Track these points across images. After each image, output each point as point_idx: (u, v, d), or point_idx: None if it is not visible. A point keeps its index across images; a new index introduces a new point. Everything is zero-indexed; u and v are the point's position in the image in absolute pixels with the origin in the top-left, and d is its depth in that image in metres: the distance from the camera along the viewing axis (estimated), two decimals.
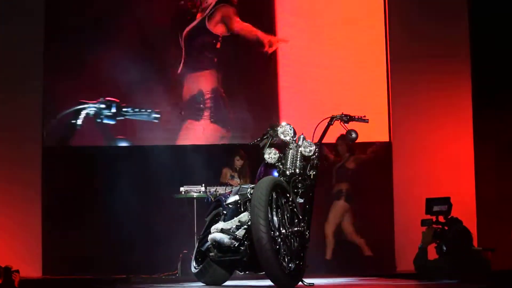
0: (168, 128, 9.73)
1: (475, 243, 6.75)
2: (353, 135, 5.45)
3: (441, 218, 6.53)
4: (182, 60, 9.61)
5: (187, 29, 9.57)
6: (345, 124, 5.56)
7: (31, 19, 9.54)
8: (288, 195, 5.10)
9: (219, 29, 9.64)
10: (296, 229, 5.02)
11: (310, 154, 5.34)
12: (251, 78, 9.73)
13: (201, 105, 9.64)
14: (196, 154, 9.42)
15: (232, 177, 9.06)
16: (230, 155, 9.18)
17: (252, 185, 5.18)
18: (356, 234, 9.24)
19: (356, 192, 9.46)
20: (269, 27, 9.72)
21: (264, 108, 9.66)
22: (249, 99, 9.63)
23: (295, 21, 9.79)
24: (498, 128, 9.68)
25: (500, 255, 6.58)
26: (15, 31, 9.47)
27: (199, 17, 9.57)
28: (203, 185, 8.80)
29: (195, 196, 8.78)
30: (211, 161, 9.34)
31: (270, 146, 5.48)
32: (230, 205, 5.38)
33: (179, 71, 9.64)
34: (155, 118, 9.51)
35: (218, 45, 9.60)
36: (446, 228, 6.36)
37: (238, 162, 9.09)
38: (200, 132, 9.59)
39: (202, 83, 9.63)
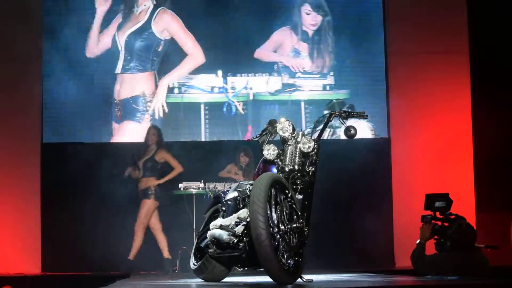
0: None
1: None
2: (352, 131, 5.44)
3: (439, 214, 6.53)
4: (121, 61, 9.63)
5: (128, 31, 9.63)
6: (344, 120, 5.56)
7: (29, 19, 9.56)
8: (287, 191, 5.10)
9: (162, 33, 9.69)
10: (295, 225, 5.02)
11: (309, 150, 5.33)
12: None
13: (138, 106, 9.65)
14: (196, 150, 9.43)
15: (236, 174, 9.06)
16: (229, 152, 9.18)
17: (251, 182, 5.18)
18: (162, 232, 8.98)
19: (355, 189, 9.47)
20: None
21: None
22: None
23: None
24: (497, 124, 9.69)
25: (498, 251, 6.57)
26: (13, 29, 9.48)
27: (140, 20, 9.64)
28: (202, 181, 8.82)
29: (194, 193, 8.80)
30: (210, 158, 9.34)
31: (269, 142, 5.48)
32: (229, 202, 5.38)
33: (118, 71, 9.64)
34: None
35: (160, 48, 9.65)
36: (446, 224, 6.37)
37: (243, 159, 9.07)
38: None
39: (143, 83, 9.64)
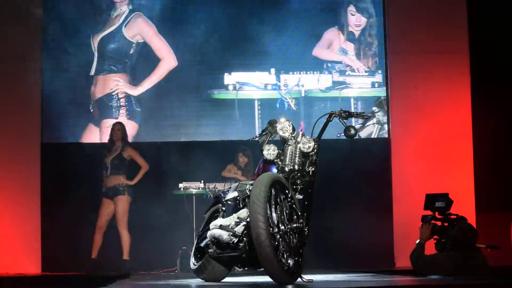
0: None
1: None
2: (352, 131, 5.45)
3: (438, 214, 6.53)
4: (95, 63, 9.72)
5: (102, 34, 9.76)
6: (344, 121, 5.56)
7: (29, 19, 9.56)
8: (287, 191, 5.10)
9: (134, 36, 9.82)
10: (295, 225, 5.02)
11: (309, 150, 5.34)
12: None
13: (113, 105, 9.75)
14: (196, 150, 9.43)
15: (236, 174, 9.06)
16: (228, 152, 9.18)
17: (251, 182, 5.18)
18: (127, 230, 8.93)
19: (355, 189, 9.47)
20: None
21: None
22: None
23: None
24: (497, 124, 9.69)
25: (498, 251, 6.58)
26: (13, 29, 9.48)
27: (113, 23, 9.79)
28: (202, 181, 8.83)
29: (194, 193, 8.81)
30: (210, 158, 9.34)
31: (269, 142, 5.48)
32: (229, 202, 5.38)
33: (92, 73, 9.74)
34: None
35: (132, 51, 9.77)
36: (445, 224, 6.37)
37: (242, 159, 9.07)
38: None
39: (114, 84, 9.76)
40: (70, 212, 9.18)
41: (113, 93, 9.69)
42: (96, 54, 9.72)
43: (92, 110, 9.69)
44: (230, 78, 9.75)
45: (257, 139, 5.63)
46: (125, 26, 9.78)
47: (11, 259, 9.26)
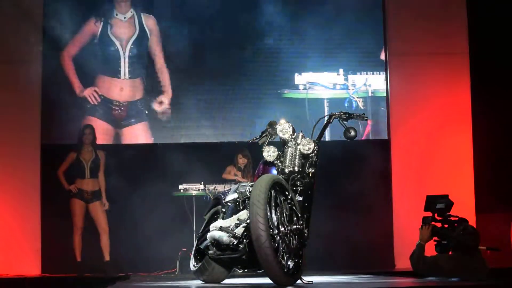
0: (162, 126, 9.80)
1: None
2: (352, 133, 5.45)
3: (437, 216, 6.53)
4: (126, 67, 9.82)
5: (131, 40, 9.85)
6: (344, 122, 5.56)
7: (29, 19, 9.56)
8: (287, 193, 5.10)
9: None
10: (295, 227, 5.01)
11: (309, 152, 5.33)
12: None
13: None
14: (195, 152, 9.43)
15: (236, 176, 9.06)
16: (230, 153, 9.18)
17: (251, 183, 5.18)
18: (108, 234, 8.99)
19: (355, 190, 9.46)
20: None
21: None
22: None
23: None
24: (497, 124, 9.68)
25: (498, 252, 6.57)
26: (13, 29, 9.48)
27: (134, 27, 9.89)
28: (202, 183, 8.82)
29: (194, 194, 8.80)
30: (210, 159, 9.34)
31: (269, 144, 5.48)
32: (229, 203, 5.38)
33: (122, 77, 9.81)
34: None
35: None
36: (446, 225, 6.37)
37: (241, 161, 9.07)
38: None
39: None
40: (70, 213, 9.16)
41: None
42: (126, 57, 9.79)
43: (118, 112, 9.73)
44: (300, 78, 9.95)
45: (257, 140, 5.63)
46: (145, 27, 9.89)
47: (11, 261, 9.25)
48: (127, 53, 9.80)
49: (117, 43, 9.79)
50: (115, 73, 9.80)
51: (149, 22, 9.92)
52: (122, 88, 9.76)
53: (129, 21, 9.89)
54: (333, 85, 10.02)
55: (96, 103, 9.69)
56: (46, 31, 9.63)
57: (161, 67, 9.84)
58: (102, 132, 9.65)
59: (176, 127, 9.87)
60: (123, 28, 9.86)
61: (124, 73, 9.80)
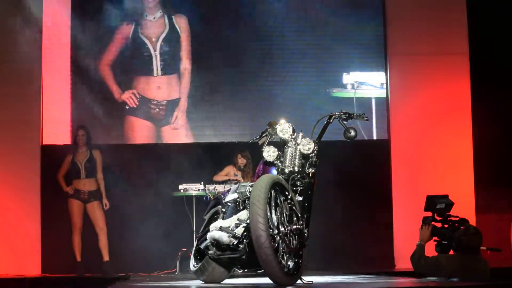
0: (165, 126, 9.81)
1: None
2: (352, 133, 5.44)
3: (437, 216, 6.53)
4: (158, 64, 9.86)
5: (160, 38, 9.89)
6: (344, 122, 5.56)
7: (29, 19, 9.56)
8: (287, 193, 5.10)
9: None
10: (295, 227, 5.01)
11: (309, 152, 5.33)
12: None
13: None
14: (195, 152, 9.43)
15: (235, 175, 9.06)
16: (232, 153, 9.18)
17: (251, 183, 5.18)
18: (105, 235, 8.97)
19: (355, 190, 9.46)
20: None
21: None
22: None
23: None
24: (497, 124, 9.68)
25: (498, 253, 6.57)
26: (13, 29, 9.48)
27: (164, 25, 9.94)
28: (202, 183, 8.82)
29: (194, 194, 8.79)
30: (210, 159, 9.34)
31: (269, 144, 5.48)
32: (229, 203, 5.38)
33: (155, 74, 9.86)
34: None
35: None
36: (446, 226, 6.37)
37: (241, 161, 9.08)
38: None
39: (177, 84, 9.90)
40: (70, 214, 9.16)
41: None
42: (157, 54, 9.85)
43: (156, 111, 9.77)
44: (348, 78, 9.99)
45: (257, 140, 5.63)
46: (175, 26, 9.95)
47: (11, 261, 9.25)
48: (158, 51, 9.83)
49: (148, 42, 9.84)
50: (149, 72, 9.85)
51: (180, 21, 9.95)
52: (159, 86, 9.82)
53: (159, 20, 9.93)
54: (381, 84, 10.04)
55: (135, 105, 9.73)
56: (46, 31, 9.64)
57: (187, 66, 9.87)
58: (144, 131, 9.74)
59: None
60: (153, 28, 9.90)
61: (157, 71, 9.84)
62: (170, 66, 9.89)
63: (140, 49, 9.87)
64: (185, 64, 9.88)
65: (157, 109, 9.81)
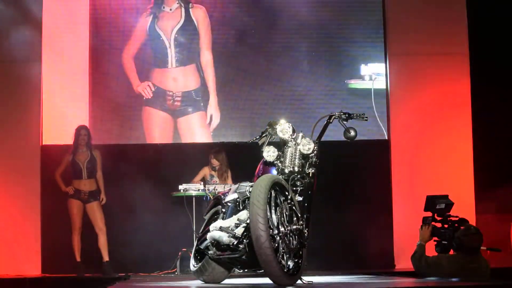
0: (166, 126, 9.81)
1: None
2: (352, 133, 5.45)
3: (437, 216, 6.53)
4: (173, 56, 9.89)
5: (175, 29, 9.89)
6: (344, 122, 5.56)
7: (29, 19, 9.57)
8: (287, 193, 5.10)
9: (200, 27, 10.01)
10: (295, 227, 5.02)
11: (309, 152, 5.33)
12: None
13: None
14: (195, 152, 9.43)
15: (212, 176, 9.03)
16: (232, 153, 9.17)
17: (251, 183, 5.18)
18: (105, 235, 8.93)
19: (355, 190, 9.46)
20: None
21: None
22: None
23: None
24: (497, 125, 9.68)
25: (498, 253, 6.57)
26: (13, 29, 9.48)
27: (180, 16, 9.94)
28: (202, 183, 8.81)
29: (194, 194, 8.79)
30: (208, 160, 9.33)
31: (269, 144, 5.48)
32: (229, 203, 5.38)
33: (169, 66, 9.88)
34: None
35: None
36: (445, 226, 6.37)
37: (214, 162, 9.03)
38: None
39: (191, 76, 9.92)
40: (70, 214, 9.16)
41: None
42: (172, 46, 9.87)
43: (172, 102, 9.80)
44: (366, 69, 10.01)
45: (257, 140, 5.63)
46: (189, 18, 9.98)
47: (11, 261, 9.25)
48: (172, 42, 9.84)
49: (162, 34, 9.85)
50: (164, 64, 9.86)
51: (197, 12, 9.95)
52: (175, 78, 9.82)
53: (176, 11, 9.92)
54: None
55: (149, 96, 9.76)
56: (46, 31, 9.65)
57: (209, 58, 9.90)
58: (161, 122, 9.76)
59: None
60: (169, 19, 9.90)
61: (171, 63, 9.85)
62: (185, 57, 9.90)
63: (155, 41, 9.86)
64: (206, 55, 9.89)
65: (172, 100, 9.81)
